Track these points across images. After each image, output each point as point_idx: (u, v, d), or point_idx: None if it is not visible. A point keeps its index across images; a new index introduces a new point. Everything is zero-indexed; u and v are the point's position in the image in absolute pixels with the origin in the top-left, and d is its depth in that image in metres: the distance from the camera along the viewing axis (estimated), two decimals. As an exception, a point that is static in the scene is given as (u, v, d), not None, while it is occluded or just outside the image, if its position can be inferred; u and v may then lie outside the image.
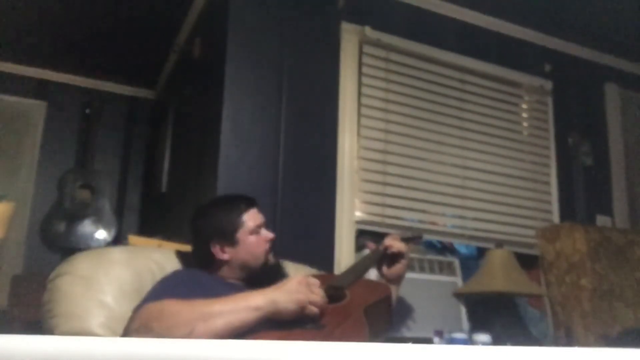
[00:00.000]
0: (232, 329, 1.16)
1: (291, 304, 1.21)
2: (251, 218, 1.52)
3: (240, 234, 1.49)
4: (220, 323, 1.16)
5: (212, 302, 1.20)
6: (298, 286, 1.24)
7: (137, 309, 1.25)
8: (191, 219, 1.56)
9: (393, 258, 1.74)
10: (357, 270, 1.64)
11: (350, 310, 1.32)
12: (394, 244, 1.74)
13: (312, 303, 1.24)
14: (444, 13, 2.86)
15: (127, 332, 1.23)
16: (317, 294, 1.26)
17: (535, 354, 0.59)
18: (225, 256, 1.48)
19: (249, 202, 1.56)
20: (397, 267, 1.73)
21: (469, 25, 2.92)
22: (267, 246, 1.52)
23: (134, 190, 3.82)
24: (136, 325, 1.20)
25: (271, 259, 1.53)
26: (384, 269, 1.75)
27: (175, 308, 1.19)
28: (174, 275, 1.43)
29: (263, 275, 1.46)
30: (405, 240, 1.91)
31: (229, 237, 1.48)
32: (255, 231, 1.51)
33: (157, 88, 3.85)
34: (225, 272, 1.49)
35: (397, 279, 1.75)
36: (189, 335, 1.13)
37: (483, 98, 2.89)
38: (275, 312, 1.20)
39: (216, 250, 1.48)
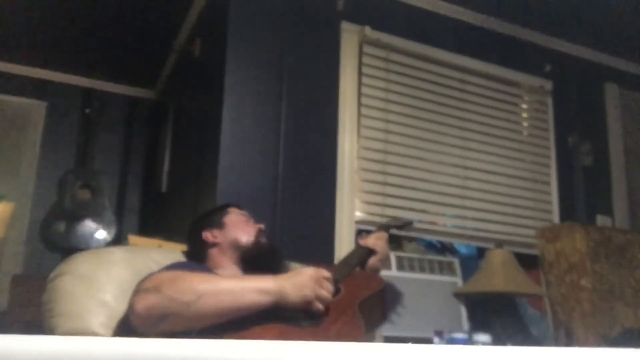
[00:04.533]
0: (237, 308, 1.17)
1: (297, 298, 1.21)
2: (238, 212, 1.61)
3: (227, 219, 1.56)
4: (227, 299, 1.17)
5: (224, 278, 1.24)
6: (308, 281, 1.24)
7: (148, 275, 1.27)
8: (188, 230, 1.62)
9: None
10: (350, 263, 1.64)
11: (345, 306, 1.32)
12: (377, 243, 1.74)
13: (318, 299, 1.24)
14: (444, 13, 2.86)
15: (135, 293, 1.23)
16: (326, 289, 1.25)
17: (535, 354, 0.59)
18: (216, 240, 1.52)
19: (234, 205, 1.65)
20: (372, 261, 1.72)
21: (469, 25, 2.92)
22: (255, 228, 1.56)
23: (134, 190, 3.82)
24: (147, 286, 1.22)
25: (263, 240, 1.56)
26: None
27: (187, 277, 1.22)
28: (180, 262, 1.48)
29: (259, 259, 1.48)
30: (397, 227, 1.94)
31: (217, 222, 1.55)
32: (242, 217, 1.59)
33: (157, 88, 3.85)
34: (219, 257, 1.51)
35: (374, 272, 1.76)
36: (194, 302, 1.14)
37: (483, 98, 2.89)
38: (281, 301, 1.21)
39: (207, 236, 1.53)
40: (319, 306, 1.24)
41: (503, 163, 2.87)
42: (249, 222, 1.58)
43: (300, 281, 1.24)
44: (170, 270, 1.28)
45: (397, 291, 2.26)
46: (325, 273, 1.29)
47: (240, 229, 1.54)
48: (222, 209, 1.62)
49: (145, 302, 1.17)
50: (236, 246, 1.51)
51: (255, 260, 1.47)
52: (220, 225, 1.55)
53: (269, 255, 1.52)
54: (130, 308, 1.21)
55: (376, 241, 1.74)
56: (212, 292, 1.17)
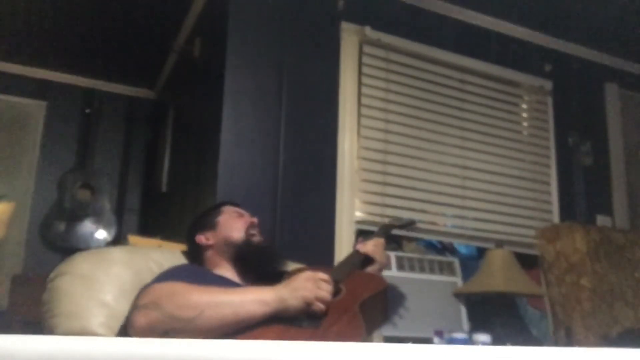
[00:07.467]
0: (238, 320, 1.18)
1: (297, 301, 1.22)
2: (232, 209, 1.61)
3: (220, 218, 1.57)
4: (228, 312, 1.18)
5: (222, 290, 1.24)
6: (305, 283, 1.25)
7: (145, 288, 1.27)
8: (186, 232, 1.63)
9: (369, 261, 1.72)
10: (351, 263, 1.63)
11: (345, 306, 1.32)
12: (375, 251, 1.72)
13: (318, 299, 1.24)
14: (444, 13, 2.86)
15: (134, 308, 1.24)
16: (324, 290, 1.26)
17: (535, 354, 0.59)
18: (209, 242, 1.53)
19: (229, 203, 1.65)
20: (371, 270, 1.69)
21: (469, 25, 2.92)
22: (246, 223, 1.56)
23: (134, 190, 3.82)
24: (145, 301, 1.22)
25: (256, 237, 1.56)
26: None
27: (186, 289, 1.22)
28: (179, 267, 1.47)
29: (253, 258, 1.49)
30: (400, 227, 1.95)
31: (210, 224, 1.56)
32: (234, 214, 1.59)
33: (156, 88, 3.85)
34: (215, 258, 1.52)
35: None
36: (196, 318, 1.15)
37: (483, 98, 2.89)
38: (282, 309, 1.22)
39: (200, 239, 1.54)
40: (320, 306, 1.24)
41: (503, 163, 2.86)
42: (241, 218, 1.58)
43: (297, 285, 1.25)
44: (167, 282, 1.27)
45: (397, 291, 2.26)
46: (321, 275, 1.30)
47: (230, 226, 1.55)
48: (216, 208, 1.62)
49: (146, 319, 1.18)
50: (229, 244, 1.52)
51: (250, 260, 1.48)
52: (212, 227, 1.55)
53: (262, 254, 1.53)
54: (130, 324, 1.21)
55: (374, 249, 1.72)
56: (213, 306, 1.18)
